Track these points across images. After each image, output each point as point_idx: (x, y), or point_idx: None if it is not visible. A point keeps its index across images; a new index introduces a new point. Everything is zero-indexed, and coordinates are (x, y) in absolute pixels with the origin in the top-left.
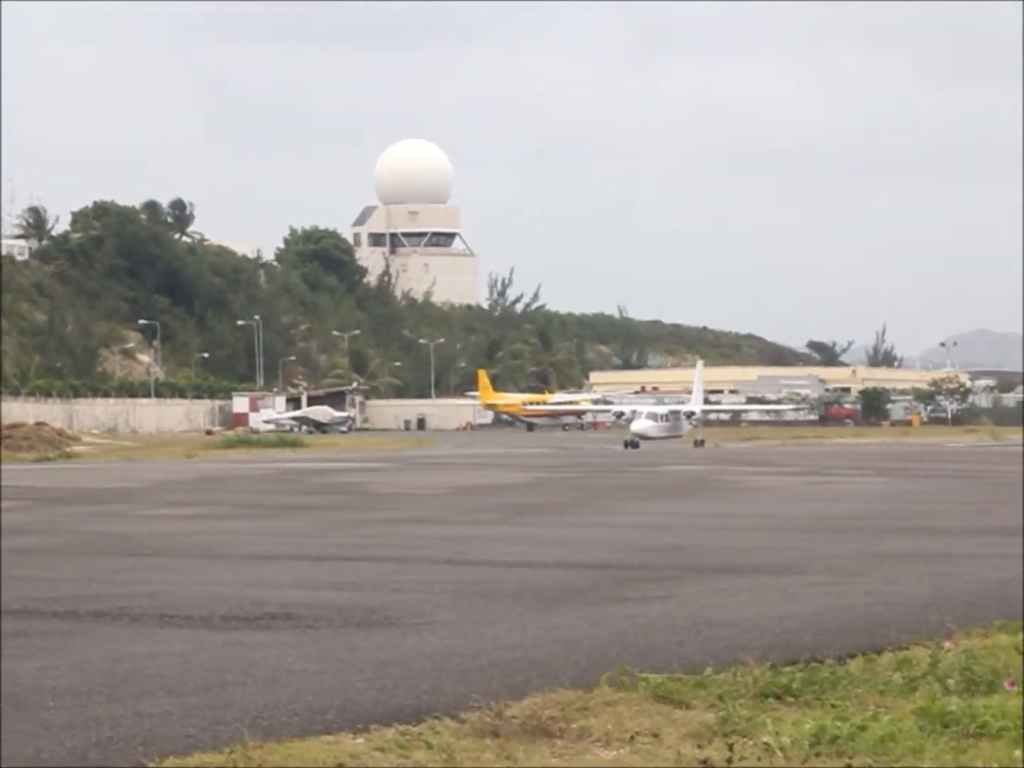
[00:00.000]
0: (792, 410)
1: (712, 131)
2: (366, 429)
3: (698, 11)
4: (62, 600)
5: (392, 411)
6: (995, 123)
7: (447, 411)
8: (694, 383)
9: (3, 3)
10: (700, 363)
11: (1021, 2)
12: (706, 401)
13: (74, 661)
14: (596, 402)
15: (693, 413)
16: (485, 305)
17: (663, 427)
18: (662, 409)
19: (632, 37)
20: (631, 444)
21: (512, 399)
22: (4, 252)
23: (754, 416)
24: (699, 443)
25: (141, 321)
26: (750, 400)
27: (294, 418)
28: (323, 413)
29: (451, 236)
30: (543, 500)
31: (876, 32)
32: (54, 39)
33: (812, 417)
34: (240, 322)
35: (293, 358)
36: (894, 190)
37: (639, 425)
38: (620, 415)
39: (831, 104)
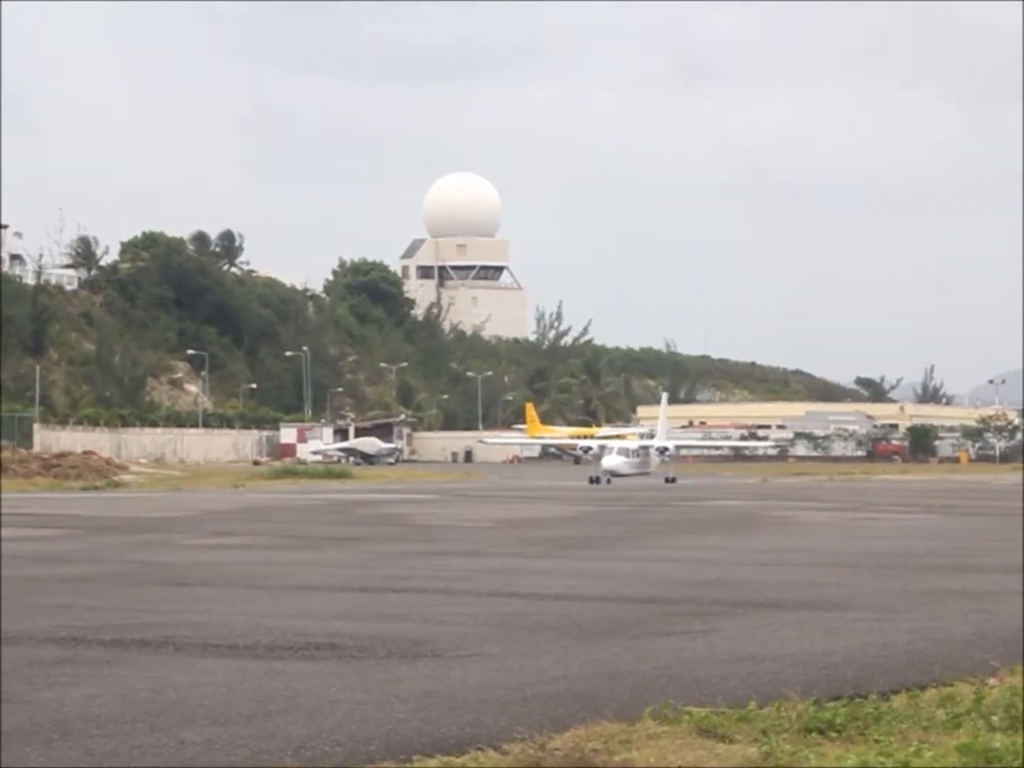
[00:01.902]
0: (771, 446)
1: (757, 164)
2: (413, 461)
3: (738, 42)
4: (107, 629)
5: (439, 443)
6: None
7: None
8: (659, 417)
9: (47, 30)
10: (664, 395)
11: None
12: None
13: (119, 689)
14: (643, 436)
15: (666, 449)
16: (532, 338)
17: (634, 463)
18: (633, 444)
19: (673, 68)
20: (596, 481)
21: (560, 432)
22: (53, 282)
23: (801, 451)
24: (670, 480)
25: (189, 351)
26: (798, 435)
27: (341, 449)
28: (370, 444)
29: (499, 269)
30: (588, 534)
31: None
32: (97, 68)
33: (860, 453)
34: (288, 353)
35: (341, 389)
36: (942, 224)
37: (611, 461)
38: (587, 450)
39: (875, 136)
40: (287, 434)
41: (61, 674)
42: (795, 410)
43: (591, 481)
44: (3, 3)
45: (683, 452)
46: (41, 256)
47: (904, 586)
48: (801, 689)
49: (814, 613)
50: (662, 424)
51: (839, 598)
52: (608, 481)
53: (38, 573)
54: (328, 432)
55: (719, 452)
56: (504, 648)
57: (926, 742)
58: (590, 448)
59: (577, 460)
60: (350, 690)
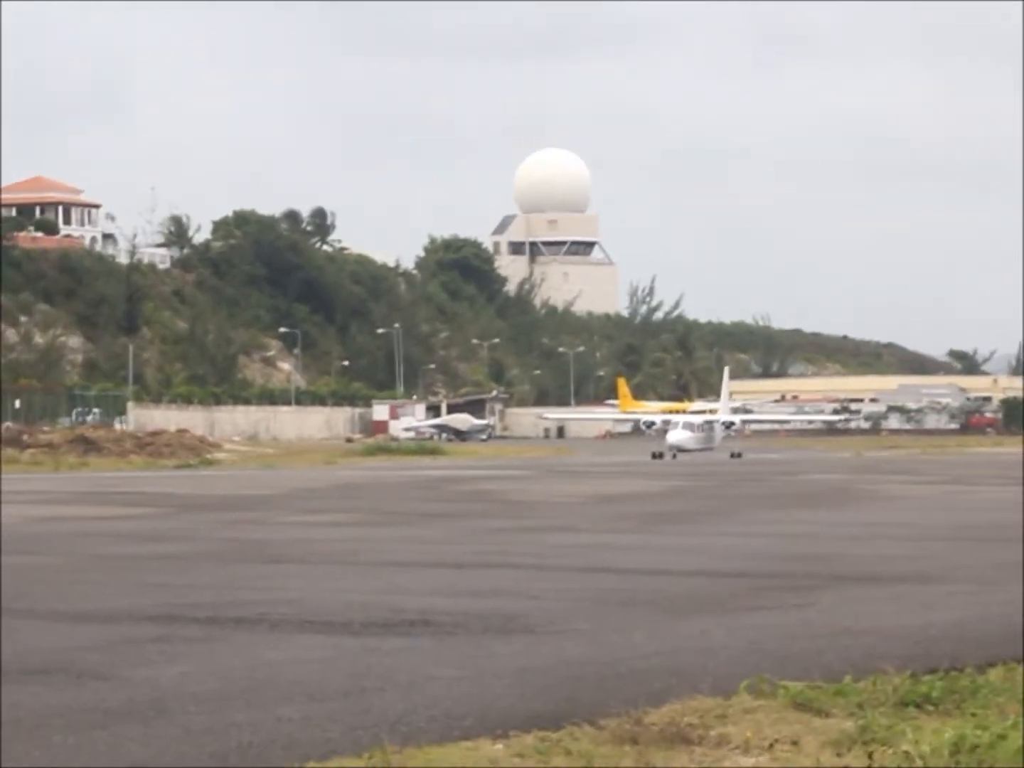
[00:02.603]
0: (811, 420)
1: (846, 137)
2: (505, 437)
3: (828, 15)
4: (202, 606)
5: (532, 419)
6: None
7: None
8: (722, 390)
9: (135, 20)
10: (727, 369)
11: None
12: (742, 410)
13: (215, 667)
14: (736, 411)
15: (732, 423)
16: (625, 314)
17: (699, 438)
18: (698, 419)
19: (760, 40)
20: (659, 456)
21: (652, 407)
22: (146, 261)
23: (894, 424)
24: (736, 455)
25: (281, 329)
26: (890, 409)
27: (434, 426)
28: (463, 421)
29: (590, 245)
30: (680, 508)
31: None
32: (190, 49)
33: (953, 426)
34: (380, 330)
35: (433, 366)
36: None
37: (676, 436)
38: (650, 425)
39: (966, 110)
40: (380, 411)
41: (158, 651)
42: (888, 383)
43: (654, 456)
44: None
45: (763, 427)
46: (135, 235)
47: (1000, 558)
48: (897, 663)
49: (910, 586)
50: (725, 398)
51: (935, 571)
52: (674, 456)
53: (134, 551)
54: (420, 409)
55: (811, 426)
56: (598, 623)
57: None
58: (653, 423)
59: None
60: (445, 666)
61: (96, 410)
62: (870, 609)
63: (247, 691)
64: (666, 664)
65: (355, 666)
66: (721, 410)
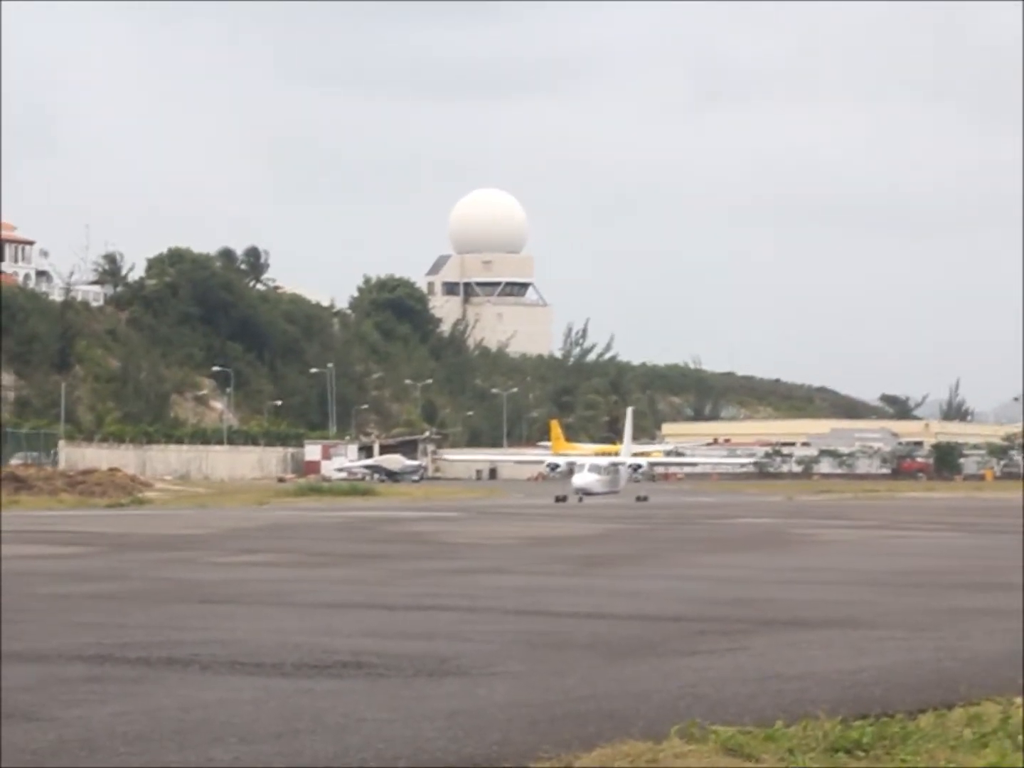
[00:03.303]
0: (734, 463)
1: (780, 183)
2: (437, 478)
3: (760, 61)
4: (134, 646)
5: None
6: None
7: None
8: (624, 431)
9: (69, 52)
10: (630, 410)
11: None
12: (674, 452)
13: (146, 707)
14: (668, 453)
15: (640, 466)
16: (558, 355)
17: (605, 481)
18: (604, 461)
19: (696, 87)
20: (562, 499)
21: (585, 450)
22: (79, 298)
23: (826, 468)
24: (642, 499)
25: (215, 368)
26: (821, 452)
27: (366, 466)
28: (395, 461)
29: (525, 286)
30: (614, 551)
31: (937, 84)
32: (120, 87)
33: (884, 470)
34: (313, 370)
35: (366, 406)
36: (965, 241)
37: (583, 479)
38: (554, 467)
39: (895, 155)
40: (312, 451)
41: (89, 692)
42: (820, 427)
43: (557, 500)
44: (24, 24)
45: (695, 470)
46: (72, 274)
47: (931, 604)
48: (828, 708)
49: (841, 631)
50: (627, 440)
51: (866, 616)
52: (580, 499)
53: (64, 590)
54: (353, 449)
55: (742, 469)
56: (531, 666)
57: (953, 762)
58: (558, 465)
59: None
60: (377, 708)
61: (32, 453)
62: (801, 654)
63: (179, 732)
64: (598, 708)
65: (287, 707)
66: (623, 452)
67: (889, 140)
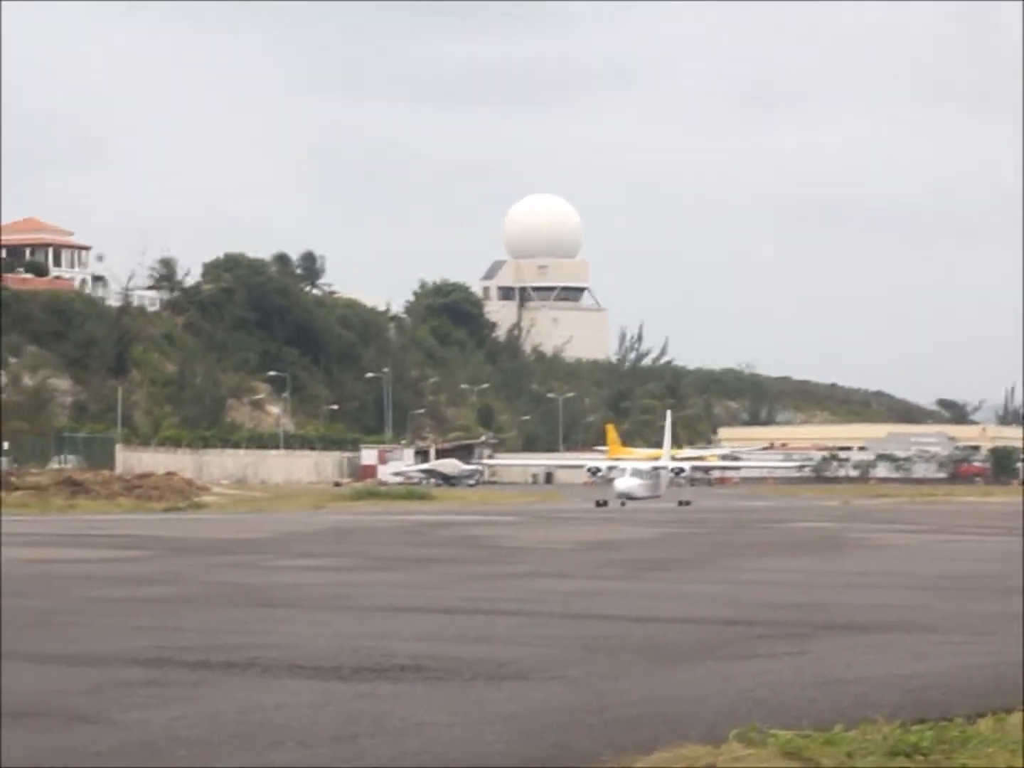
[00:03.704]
0: (774, 466)
1: (835, 185)
2: (494, 482)
3: (810, 66)
4: (192, 650)
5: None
6: None
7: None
8: (664, 436)
9: (120, 69)
10: (668, 413)
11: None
12: (730, 457)
13: (205, 711)
14: (724, 458)
15: (682, 469)
16: (614, 359)
17: (647, 485)
18: (646, 465)
19: (744, 90)
20: (603, 504)
21: (640, 454)
22: (136, 303)
23: (882, 472)
24: (685, 503)
25: (271, 373)
26: (880, 457)
27: (422, 471)
28: (451, 466)
29: (580, 290)
30: (670, 555)
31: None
32: (175, 91)
33: (941, 475)
34: (369, 374)
35: (422, 411)
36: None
37: (625, 483)
38: (596, 471)
39: (947, 160)
40: (368, 455)
41: (148, 695)
42: (876, 432)
43: (598, 504)
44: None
45: (752, 474)
46: (130, 278)
47: (989, 609)
48: (887, 712)
49: (899, 635)
50: (667, 443)
51: (924, 620)
52: (622, 504)
53: (123, 594)
54: (409, 453)
55: (800, 473)
56: (588, 670)
57: (1013, 765)
58: (599, 470)
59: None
60: (436, 712)
61: (71, 456)
62: (860, 658)
63: (238, 736)
64: (656, 712)
65: (346, 711)
66: (664, 456)
67: (954, 143)
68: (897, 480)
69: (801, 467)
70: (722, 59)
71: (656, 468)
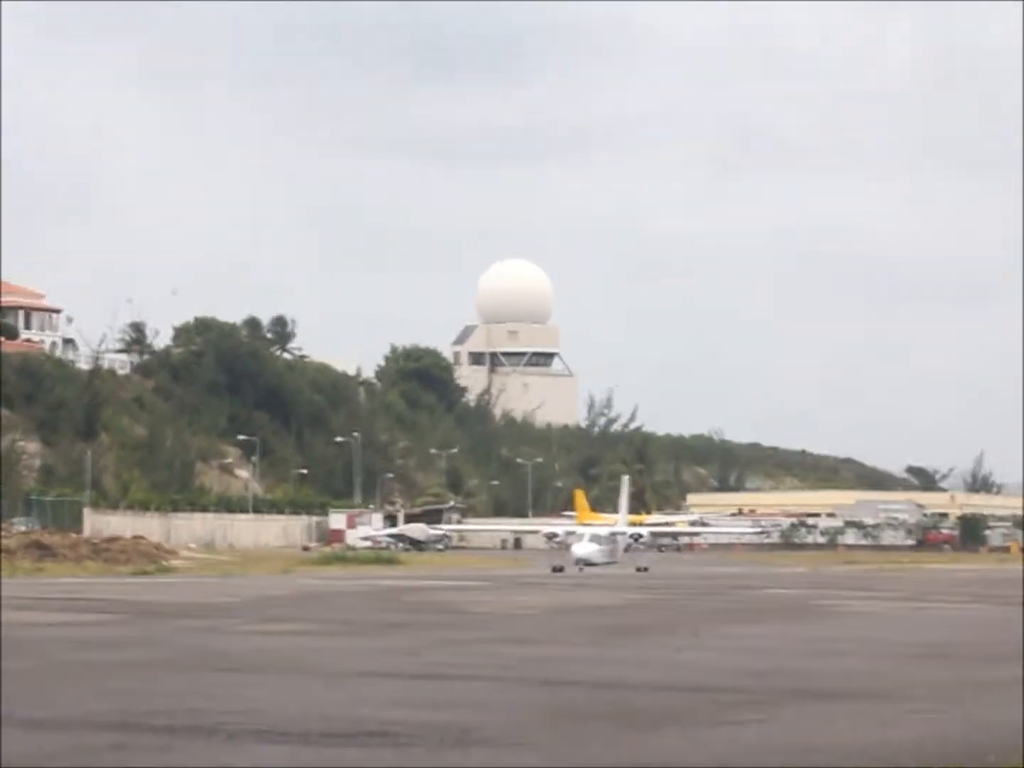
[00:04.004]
0: (732, 532)
1: (810, 249)
2: (462, 547)
3: (787, 129)
4: (159, 714)
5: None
6: None
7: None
8: (620, 501)
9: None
10: (625, 479)
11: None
12: (699, 523)
13: None
14: (693, 524)
15: (641, 535)
16: (584, 425)
17: (605, 551)
18: (604, 530)
19: (717, 154)
20: (559, 569)
21: (610, 519)
22: (106, 366)
23: (851, 539)
24: (642, 569)
25: (240, 436)
26: (848, 524)
27: (391, 535)
28: (420, 531)
29: (550, 356)
30: (639, 622)
31: (969, 158)
32: (147, 155)
33: (910, 542)
34: (339, 439)
35: (391, 475)
36: (991, 311)
37: (584, 549)
38: (552, 537)
39: (924, 226)
40: (336, 520)
41: (114, 759)
42: (845, 498)
43: (554, 570)
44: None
45: (720, 540)
46: (101, 341)
47: (957, 676)
48: None
49: (868, 703)
50: (623, 509)
51: (893, 688)
52: (580, 570)
53: (90, 658)
54: (378, 518)
55: (768, 539)
56: (555, 736)
57: None
58: (556, 535)
59: (626, 548)
60: None
61: (23, 518)
62: (829, 725)
63: None
64: None
65: None
66: (620, 521)
67: (916, 208)
68: (865, 547)
69: (761, 533)
70: (704, 122)
71: (613, 534)
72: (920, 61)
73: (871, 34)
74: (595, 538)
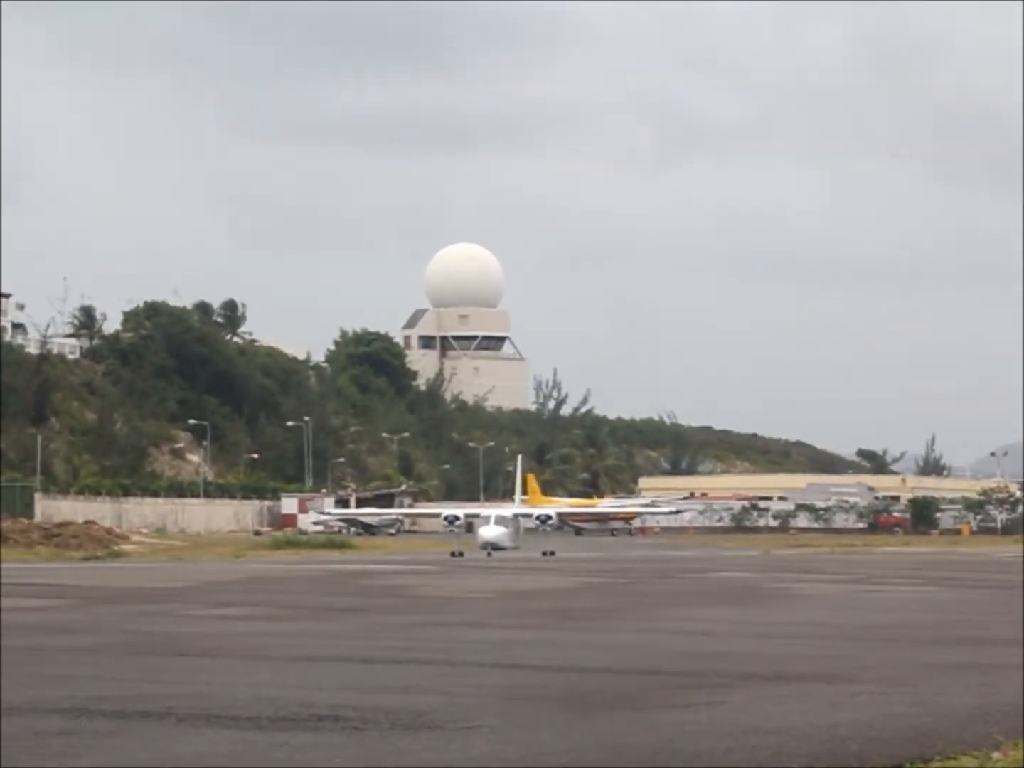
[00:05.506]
0: (655, 513)
1: (750, 232)
2: (414, 531)
3: (721, 115)
4: (109, 699)
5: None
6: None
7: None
8: (515, 481)
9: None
10: (519, 458)
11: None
12: (650, 506)
13: (121, 760)
14: (645, 507)
15: (549, 517)
16: (533, 409)
17: (511, 534)
18: (508, 512)
19: (663, 139)
20: (459, 554)
21: (561, 503)
22: (55, 351)
23: (802, 522)
24: (549, 554)
25: (191, 421)
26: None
27: (343, 519)
28: (371, 515)
29: (501, 340)
30: (590, 605)
31: (891, 139)
32: (91, 144)
33: (861, 525)
34: (290, 423)
35: (342, 459)
36: (941, 297)
37: (491, 532)
38: (453, 520)
39: (864, 210)
40: (288, 504)
41: (64, 745)
42: (796, 482)
43: (453, 555)
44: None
45: (672, 523)
46: (48, 326)
47: (907, 659)
48: (805, 762)
49: (818, 685)
50: (519, 490)
51: (843, 670)
52: (488, 554)
53: (40, 643)
54: (329, 502)
55: (719, 523)
56: (506, 720)
57: None
58: (457, 518)
59: (578, 531)
60: (353, 761)
61: None
62: (778, 708)
63: None
64: (574, 762)
65: (263, 761)
66: (516, 502)
67: (854, 196)
68: (817, 530)
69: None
70: (648, 109)
71: (516, 516)
72: (852, 52)
73: (801, 26)
74: (501, 520)
